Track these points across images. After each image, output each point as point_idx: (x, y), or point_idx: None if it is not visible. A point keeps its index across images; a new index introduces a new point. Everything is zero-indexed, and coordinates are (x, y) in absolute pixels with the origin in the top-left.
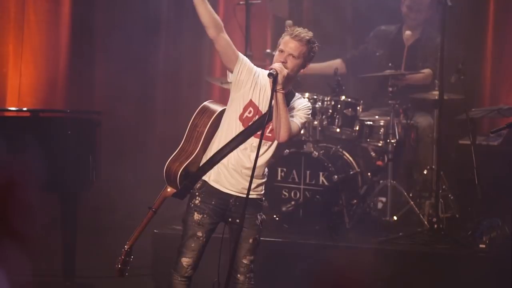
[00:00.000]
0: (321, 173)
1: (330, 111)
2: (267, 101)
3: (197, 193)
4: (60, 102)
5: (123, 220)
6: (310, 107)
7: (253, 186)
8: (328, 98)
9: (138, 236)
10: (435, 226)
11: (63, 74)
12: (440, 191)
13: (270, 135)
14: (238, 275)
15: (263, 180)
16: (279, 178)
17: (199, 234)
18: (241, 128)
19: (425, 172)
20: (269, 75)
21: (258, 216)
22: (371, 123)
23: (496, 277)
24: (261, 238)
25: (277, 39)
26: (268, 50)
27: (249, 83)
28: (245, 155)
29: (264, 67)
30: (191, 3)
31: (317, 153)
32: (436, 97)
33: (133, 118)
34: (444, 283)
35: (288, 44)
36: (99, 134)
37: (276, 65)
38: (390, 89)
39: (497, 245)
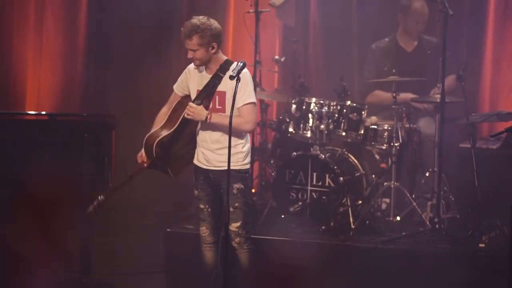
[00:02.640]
0: (327, 175)
1: (336, 115)
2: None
3: (193, 173)
4: (76, 106)
5: (137, 220)
6: (248, 80)
7: (223, 158)
8: (334, 103)
9: (112, 194)
10: (437, 226)
11: (80, 79)
12: (442, 193)
13: (220, 107)
14: (233, 243)
15: (235, 151)
16: (287, 179)
17: (202, 206)
18: None
19: (427, 174)
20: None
21: (234, 185)
22: (375, 127)
23: (495, 275)
24: (270, 238)
25: (285, 46)
26: (277, 57)
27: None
28: (206, 132)
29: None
30: (202, 4)
31: (323, 156)
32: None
33: (147, 121)
34: (444, 281)
35: (185, 43)
36: (113, 137)
37: (189, 111)
38: (394, 95)
39: (495, 244)
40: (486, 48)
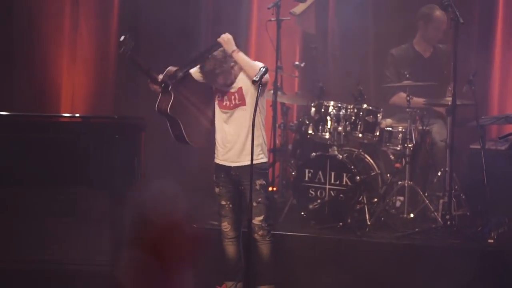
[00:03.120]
0: (344, 174)
1: (353, 118)
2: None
3: (214, 171)
4: (108, 109)
5: (164, 215)
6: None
7: (245, 155)
8: (351, 106)
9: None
10: (448, 222)
11: (111, 83)
12: (453, 191)
13: (240, 102)
14: (254, 235)
15: (255, 149)
16: (306, 178)
17: (223, 202)
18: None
19: (439, 173)
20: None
21: (257, 181)
22: (390, 129)
23: (503, 269)
24: (291, 233)
25: (305, 52)
26: (297, 62)
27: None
28: (225, 130)
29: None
30: (226, 13)
31: (341, 156)
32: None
33: None
34: (455, 275)
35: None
36: (143, 138)
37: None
38: (408, 98)
39: (504, 240)
40: (495, 54)
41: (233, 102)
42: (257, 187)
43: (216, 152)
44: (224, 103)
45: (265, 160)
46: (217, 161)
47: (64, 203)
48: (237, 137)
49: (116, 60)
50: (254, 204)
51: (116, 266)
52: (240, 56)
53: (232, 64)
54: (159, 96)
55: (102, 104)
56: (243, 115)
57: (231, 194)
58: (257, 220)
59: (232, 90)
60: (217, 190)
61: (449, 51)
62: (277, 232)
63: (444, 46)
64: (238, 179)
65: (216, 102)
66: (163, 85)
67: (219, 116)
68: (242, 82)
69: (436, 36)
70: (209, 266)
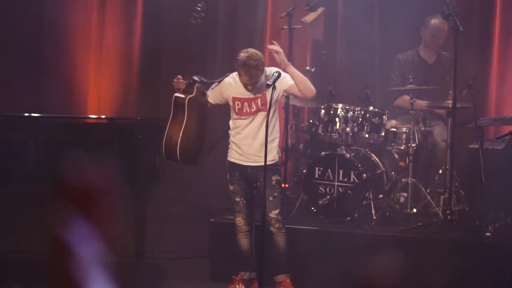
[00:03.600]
0: (352, 172)
1: (360, 119)
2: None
3: (227, 170)
4: (132, 110)
5: (184, 212)
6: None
7: (262, 155)
8: (358, 109)
9: None
10: (449, 217)
11: (135, 87)
12: (453, 188)
13: (263, 107)
14: (271, 228)
15: (271, 147)
16: (316, 176)
17: (237, 199)
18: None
19: (440, 171)
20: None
21: (273, 178)
22: (394, 129)
23: (499, 261)
24: (301, 227)
25: (315, 58)
26: (308, 67)
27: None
28: (244, 131)
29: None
30: (243, 21)
31: (348, 155)
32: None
33: None
34: (455, 266)
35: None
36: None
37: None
38: (411, 101)
39: (500, 234)
40: (493, 61)
41: (255, 108)
42: (273, 182)
43: (230, 152)
44: (245, 110)
45: (277, 158)
46: (232, 160)
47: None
48: (255, 140)
49: (139, 64)
50: (271, 198)
51: (137, 257)
52: (294, 70)
53: (261, 73)
54: (180, 90)
55: (126, 106)
56: (263, 119)
57: (245, 191)
58: (273, 213)
59: (254, 97)
60: (231, 187)
61: (452, 58)
62: (288, 226)
63: (448, 54)
64: (255, 176)
65: (236, 111)
66: (191, 81)
67: (237, 122)
68: (263, 89)
69: (433, 43)
70: (224, 258)
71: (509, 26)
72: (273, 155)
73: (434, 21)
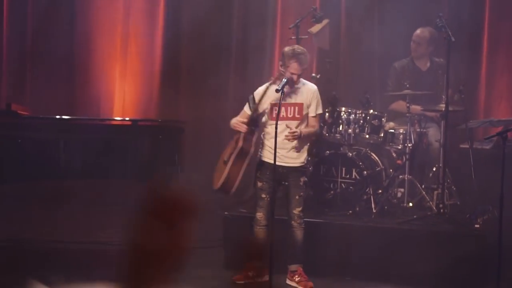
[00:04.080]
0: (353, 169)
1: (361, 121)
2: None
3: (257, 168)
4: (153, 114)
5: (201, 206)
6: (318, 94)
7: (294, 157)
8: (360, 112)
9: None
10: (441, 210)
11: (156, 91)
12: (445, 184)
13: (298, 116)
14: (292, 222)
15: (303, 151)
16: (321, 173)
17: (263, 196)
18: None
19: (434, 169)
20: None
21: (301, 179)
22: (393, 131)
23: (487, 249)
24: (308, 219)
25: (320, 66)
26: (313, 74)
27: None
28: (282, 136)
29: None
30: (255, 32)
31: (351, 154)
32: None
33: (208, 126)
34: (447, 254)
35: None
36: (182, 138)
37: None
38: (408, 105)
39: (488, 225)
40: (481, 68)
41: (291, 114)
42: (301, 183)
43: (263, 152)
44: (281, 115)
45: (306, 160)
46: (265, 159)
47: (113, 193)
48: (289, 143)
49: (161, 72)
50: (297, 197)
51: None
52: (305, 134)
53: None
54: (242, 135)
55: (148, 109)
56: (296, 124)
57: (271, 189)
58: (297, 210)
59: (290, 103)
60: (259, 184)
61: (444, 64)
62: None
63: (440, 60)
64: (285, 176)
65: (273, 116)
66: (252, 130)
67: (273, 126)
68: (302, 98)
69: (416, 50)
70: (237, 248)
71: (497, 37)
72: (304, 158)
73: (416, 31)
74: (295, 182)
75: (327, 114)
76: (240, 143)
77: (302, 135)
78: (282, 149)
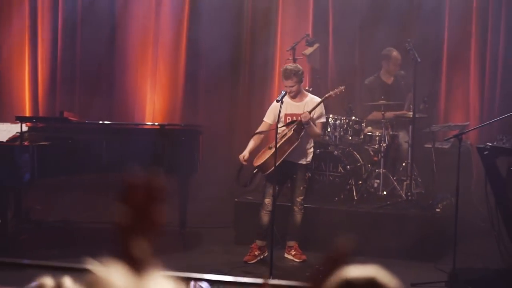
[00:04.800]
0: (339, 165)
1: (345, 126)
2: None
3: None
4: (177, 119)
5: (214, 193)
6: (322, 105)
7: (302, 154)
8: (344, 118)
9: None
10: (409, 198)
11: (180, 102)
12: (413, 176)
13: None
14: (294, 207)
15: (309, 151)
16: (313, 167)
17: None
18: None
19: (403, 164)
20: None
21: (306, 174)
22: (370, 133)
23: (446, 228)
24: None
25: (313, 81)
26: (307, 87)
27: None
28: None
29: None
30: (261, 54)
31: (336, 152)
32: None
33: (223, 128)
34: (414, 232)
35: (285, 82)
36: (201, 139)
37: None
38: (383, 113)
39: (446, 209)
40: (442, 83)
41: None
42: (306, 177)
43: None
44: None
45: (310, 159)
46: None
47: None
48: (300, 146)
49: (184, 83)
50: (301, 188)
51: (181, 227)
52: (312, 127)
53: (297, 79)
54: (294, 127)
55: (173, 115)
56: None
57: (282, 182)
58: (300, 198)
59: (298, 113)
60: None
61: (406, 76)
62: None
63: (401, 72)
64: (294, 171)
65: (286, 122)
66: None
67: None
68: (307, 109)
69: (395, 69)
70: (245, 228)
71: (453, 59)
72: (309, 158)
73: (395, 54)
74: (302, 176)
75: None
76: (289, 134)
77: (310, 122)
78: (299, 151)
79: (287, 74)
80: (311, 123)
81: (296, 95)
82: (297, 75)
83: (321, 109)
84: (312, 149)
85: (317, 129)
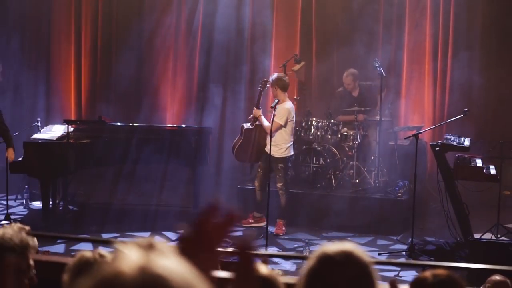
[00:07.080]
0: (321, 158)
1: (326, 127)
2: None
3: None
4: (192, 121)
5: (221, 181)
6: (287, 109)
7: (275, 149)
8: (325, 121)
9: None
10: (377, 185)
11: (194, 107)
12: (379, 167)
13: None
14: (280, 192)
15: (280, 147)
16: (299, 160)
17: (259, 170)
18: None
19: (372, 158)
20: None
21: (279, 165)
22: (346, 133)
23: (406, 210)
24: (291, 190)
25: (300, 91)
26: (295, 97)
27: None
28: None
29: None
30: (261, 67)
31: (319, 148)
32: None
33: (229, 128)
34: (380, 212)
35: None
36: (210, 138)
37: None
38: (355, 117)
39: (406, 194)
40: (402, 93)
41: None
42: (279, 167)
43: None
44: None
45: (287, 155)
46: (265, 149)
47: (167, 174)
48: (273, 141)
49: (196, 94)
50: (277, 176)
51: (194, 207)
52: (261, 120)
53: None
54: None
55: (188, 119)
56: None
57: (267, 169)
58: (279, 185)
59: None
60: (260, 164)
61: (371, 85)
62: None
63: (368, 84)
64: (273, 162)
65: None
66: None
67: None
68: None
69: (348, 87)
70: (245, 206)
71: (411, 74)
72: (286, 152)
73: (344, 76)
74: (276, 167)
75: (303, 122)
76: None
77: (259, 118)
78: (273, 146)
79: (271, 83)
80: (261, 118)
81: (280, 101)
82: (272, 85)
83: (282, 112)
84: (288, 145)
85: (265, 123)
